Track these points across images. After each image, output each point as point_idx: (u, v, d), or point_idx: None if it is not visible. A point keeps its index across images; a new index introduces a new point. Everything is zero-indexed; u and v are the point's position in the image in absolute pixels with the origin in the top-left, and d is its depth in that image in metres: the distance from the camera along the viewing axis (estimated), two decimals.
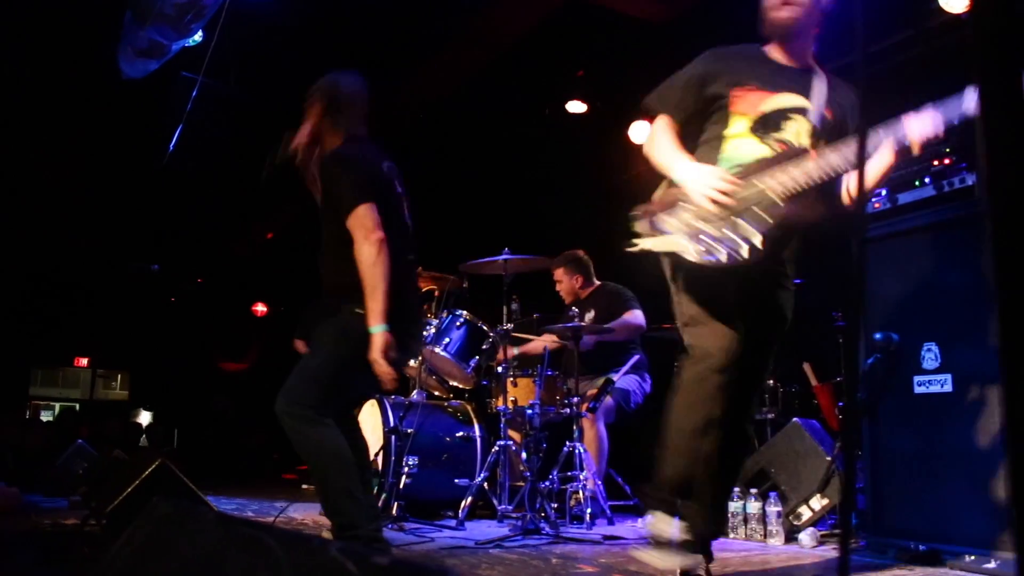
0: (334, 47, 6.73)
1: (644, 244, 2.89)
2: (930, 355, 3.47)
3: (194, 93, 6.41)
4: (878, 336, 3.58)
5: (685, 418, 2.82)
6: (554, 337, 5.31)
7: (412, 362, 5.19)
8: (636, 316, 5.43)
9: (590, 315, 5.45)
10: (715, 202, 2.70)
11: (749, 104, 2.90)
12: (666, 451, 2.86)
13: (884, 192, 3.78)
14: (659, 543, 2.76)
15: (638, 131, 7.04)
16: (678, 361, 3.01)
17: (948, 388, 3.41)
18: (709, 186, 2.72)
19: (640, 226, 2.89)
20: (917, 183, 3.66)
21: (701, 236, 2.75)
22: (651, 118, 3.02)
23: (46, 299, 11.70)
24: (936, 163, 3.58)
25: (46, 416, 14.86)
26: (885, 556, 3.47)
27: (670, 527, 2.78)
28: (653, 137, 3.03)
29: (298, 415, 3.14)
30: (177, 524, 1.31)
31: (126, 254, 10.81)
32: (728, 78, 2.98)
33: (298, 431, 3.12)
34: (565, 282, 5.72)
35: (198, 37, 5.71)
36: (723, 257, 2.68)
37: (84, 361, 14.97)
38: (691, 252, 2.75)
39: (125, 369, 15.92)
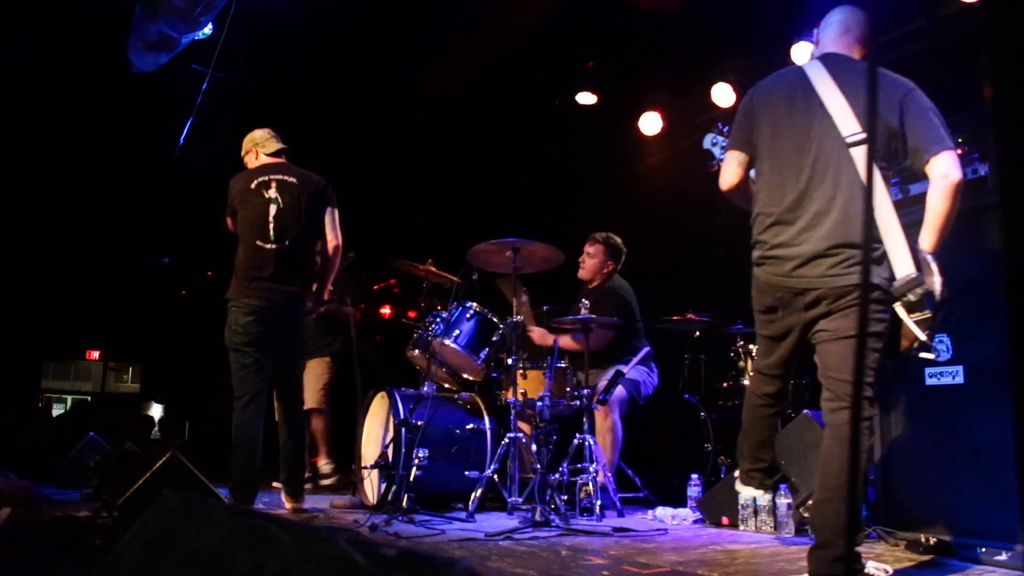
0: (344, 39, 6.73)
1: None
2: (941, 347, 3.45)
3: (204, 86, 6.42)
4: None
5: None
6: (569, 340, 5.33)
7: (423, 354, 5.20)
8: (607, 335, 5.38)
9: (584, 304, 5.39)
10: None
11: None
12: None
13: (896, 183, 3.75)
14: None
15: (648, 123, 7.02)
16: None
17: (959, 380, 3.40)
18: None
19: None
20: None
21: None
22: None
23: (57, 293, 11.76)
24: None
25: (58, 409, 14.96)
26: (896, 548, 3.47)
27: None
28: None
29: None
30: (187, 516, 1.31)
31: (137, 247, 10.85)
32: None
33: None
34: (597, 259, 5.66)
35: (208, 30, 5.72)
36: None
37: (95, 354, 15.06)
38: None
39: (136, 362, 16.00)
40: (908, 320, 2.72)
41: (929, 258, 2.78)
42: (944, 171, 2.75)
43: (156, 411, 15.62)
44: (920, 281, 2.73)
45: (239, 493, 4.39)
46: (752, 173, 3.20)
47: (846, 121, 2.89)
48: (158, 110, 7.24)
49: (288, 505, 4.64)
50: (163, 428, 14.12)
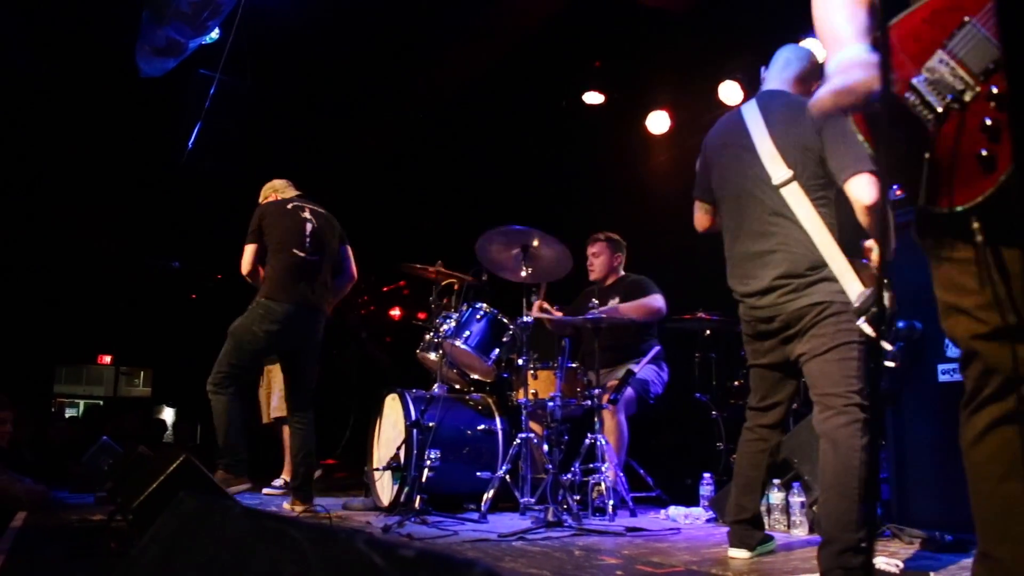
0: (351, 42, 6.74)
1: None
2: None
3: (212, 90, 6.44)
4: (901, 324, 3.56)
5: None
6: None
7: (433, 355, 5.21)
8: (657, 299, 5.39)
9: (614, 301, 5.43)
10: None
11: None
12: None
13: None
14: None
15: (655, 122, 7.01)
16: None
17: None
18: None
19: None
20: None
21: None
22: None
23: (69, 298, 11.81)
24: None
25: (70, 413, 15.02)
26: (911, 545, 3.45)
27: None
28: None
29: (209, 389, 4.72)
30: (204, 518, 1.31)
31: (147, 252, 10.89)
32: None
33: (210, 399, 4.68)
34: (604, 257, 5.67)
35: (215, 35, 5.74)
36: None
37: (107, 359, 15.12)
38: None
39: (148, 366, 16.05)
40: (871, 333, 2.80)
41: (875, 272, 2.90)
42: (856, 195, 2.87)
43: (168, 415, 15.68)
44: (873, 296, 2.81)
45: (239, 467, 4.64)
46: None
47: (774, 164, 3.10)
48: (166, 115, 7.27)
49: (297, 509, 4.67)
50: (175, 431, 14.17)
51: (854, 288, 2.87)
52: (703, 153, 3.52)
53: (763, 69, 3.47)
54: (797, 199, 3.02)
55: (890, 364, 2.83)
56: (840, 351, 2.93)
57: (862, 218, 2.86)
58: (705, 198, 3.49)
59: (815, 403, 3.01)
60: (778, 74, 3.38)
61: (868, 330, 2.77)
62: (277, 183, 5.32)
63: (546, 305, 5.45)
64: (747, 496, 3.32)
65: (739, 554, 3.27)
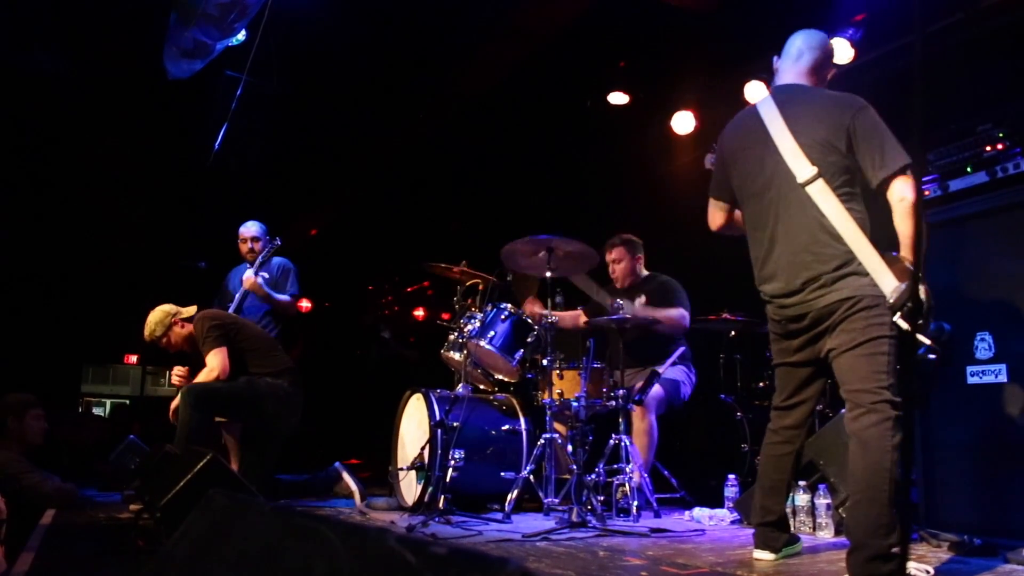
0: (377, 43, 6.76)
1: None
2: (984, 345, 3.41)
3: (238, 92, 6.48)
4: (930, 326, 3.52)
5: None
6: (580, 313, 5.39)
7: (458, 355, 5.22)
8: (683, 315, 5.37)
9: (640, 300, 5.41)
10: None
11: None
12: None
13: (934, 179, 3.71)
14: None
15: (680, 122, 6.97)
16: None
17: (1003, 378, 3.35)
18: None
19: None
20: (969, 169, 3.59)
21: None
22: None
23: (96, 298, 11.91)
24: (989, 148, 3.51)
25: (97, 412, 15.14)
26: (939, 549, 3.42)
27: None
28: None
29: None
30: (234, 516, 1.32)
31: (174, 252, 10.96)
32: None
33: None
34: (625, 262, 5.65)
35: (241, 36, 5.77)
36: None
37: (134, 358, 15.23)
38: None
39: (173, 366, 16.13)
40: (907, 328, 2.77)
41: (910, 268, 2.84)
42: (899, 195, 2.85)
43: None
44: (909, 290, 2.79)
45: None
46: (738, 213, 3.45)
47: (797, 162, 3.05)
48: (193, 117, 7.32)
49: None
50: None
51: (887, 282, 2.82)
52: (719, 152, 3.48)
53: (775, 59, 3.41)
54: (823, 196, 2.98)
55: (931, 356, 2.80)
56: (870, 346, 2.86)
57: (904, 217, 2.83)
58: (722, 196, 3.45)
59: (846, 401, 2.96)
60: (792, 65, 3.33)
61: (904, 325, 2.74)
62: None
63: (538, 306, 5.45)
64: (772, 499, 3.29)
65: (765, 556, 3.25)
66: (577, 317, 5.72)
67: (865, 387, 2.86)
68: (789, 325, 3.15)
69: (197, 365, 5.20)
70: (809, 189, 3.02)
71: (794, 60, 3.33)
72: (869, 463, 2.77)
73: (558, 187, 8.49)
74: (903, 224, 2.84)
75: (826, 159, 3.01)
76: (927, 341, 2.79)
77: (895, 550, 2.61)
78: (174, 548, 1.39)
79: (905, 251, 2.85)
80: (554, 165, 8.27)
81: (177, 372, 5.39)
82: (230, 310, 5.97)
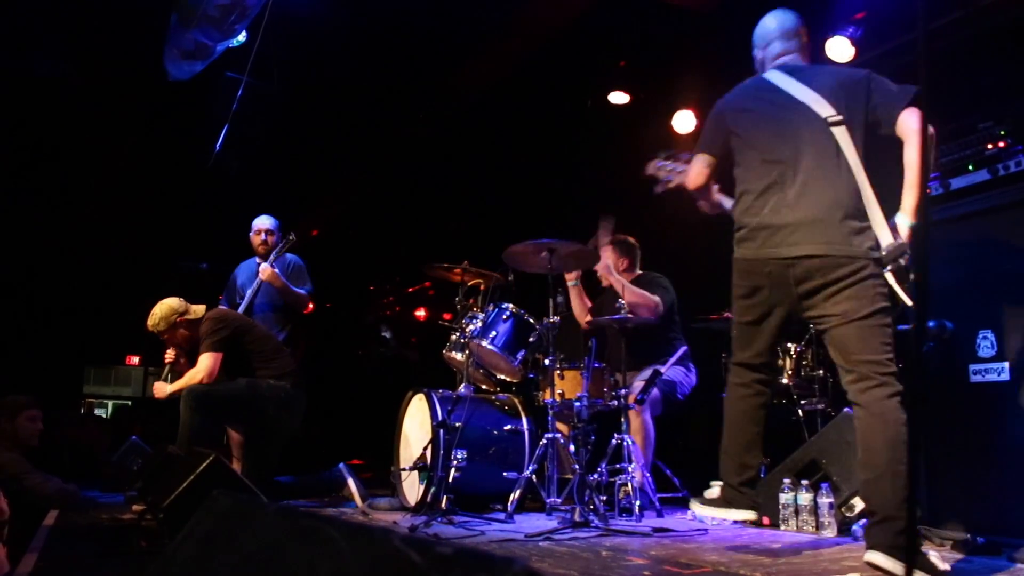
0: (378, 43, 6.76)
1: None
2: (986, 343, 3.41)
3: (239, 93, 6.48)
4: (932, 324, 3.52)
5: None
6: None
7: (460, 355, 5.22)
8: (657, 302, 5.37)
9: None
10: None
11: None
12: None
13: (936, 177, 3.71)
14: None
15: (681, 121, 6.97)
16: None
17: (1005, 377, 3.35)
18: None
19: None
20: (971, 167, 3.59)
21: None
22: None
23: (97, 299, 11.92)
24: (991, 146, 3.50)
25: (99, 414, 15.14)
26: (942, 547, 3.42)
27: None
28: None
29: None
30: (238, 516, 1.32)
31: (175, 253, 10.97)
32: None
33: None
34: (611, 263, 5.67)
35: (242, 38, 5.77)
36: None
37: (136, 360, 15.23)
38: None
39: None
40: (897, 287, 2.80)
41: (902, 226, 2.89)
42: (918, 125, 2.87)
43: None
44: (905, 247, 2.84)
45: None
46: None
47: (820, 105, 3.08)
48: (194, 118, 7.32)
49: None
50: None
51: (886, 237, 2.86)
52: (720, 110, 3.45)
53: (757, 53, 3.50)
54: (846, 141, 3.00)
55: (905, 327, 2.83)
56: (879, 317, 2.86)
57: (915, 148, 2.85)
58: (712, 151, 3.43)
59: (848, 368, 2.92)
60: (782, 52, 3.41)
61: (893, 282, 2.76)
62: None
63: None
64: (750, 454, 3.29)
65: (748, 515, 3.26)
66: (584, 308, 5.74)
67: (877, 358, 2.84)
68: (770, 269, 3.10)
69: (191, 358, 5.22)
70: (835, 130, 3.03)
71: (782, 46, 3.40)
72: (889, 436, 2.75)
73: (558, 186, 8.49)
74: (918, 157, 2.85)
75: (848, 110, 3.04)
76: (909, 302, 2.80)
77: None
78: (177, 549, 1.39)
79: (911, 190, 2.87)
80: (554, 164, 8.26)
81: (169, 356, 5.40)
82: (241, 306, 5.97)
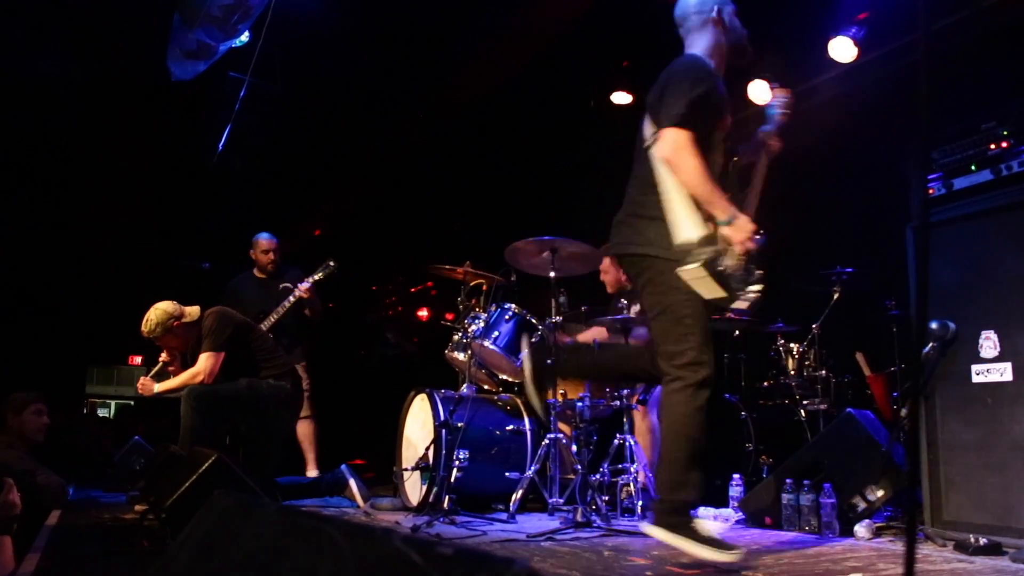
0: (380, 43, 6.76)
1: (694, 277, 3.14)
2: (988, 343, 3.40)
3: (242, 93, 6.49)
4: (934, 324, 3.52)
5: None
6: (604, 330, 5.30)
7: (462, 355, 5.22)
8: None
9: (637, 307, 5.42)
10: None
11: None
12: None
13: (938, 178, 3.70)
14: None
15: None
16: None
17: (1007, 377, 3.34)
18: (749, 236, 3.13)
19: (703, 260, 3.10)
20: (973, 168, 3.58)
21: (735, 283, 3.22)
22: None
23: (100, 299, 11.94)
24: (993, 147, 3.50)
25: (102, 413, 15.17)
26: (944, 548, 3.41)
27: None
28: (692, 157, 3.23)
29: None
30: (240, 516, 1.32)
31: (178, 253, 10.99)
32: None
33: None
34: (611, 272, 5.67)
35: (245, 38, 5.78)
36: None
37: (138, 359, 15.25)
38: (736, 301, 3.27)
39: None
40: (688, 279, 3.13)
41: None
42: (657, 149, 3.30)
43: None
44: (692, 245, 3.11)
45: None
46: None
47: (645, 126, 3.55)
48: (197, 117, 7.33)
49: None
50: None
51: (682, 234, 3.24)
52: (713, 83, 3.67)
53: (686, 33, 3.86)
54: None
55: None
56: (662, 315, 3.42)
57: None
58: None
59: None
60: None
61: (687, 276, 3.19)
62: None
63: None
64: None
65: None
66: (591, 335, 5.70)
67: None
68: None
69: (186, 361, 5.23)
70: (648, 152, 3.50)
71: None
72: (670, 426, 3.18)
73: (561, 187, 8.49)
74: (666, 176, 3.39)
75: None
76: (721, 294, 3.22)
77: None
78: (179, 549, 1.40)
79: None
80: (557, 165, 8.26)
81: (164, 357, 5.40)
82: (267, 323, 6.05)
